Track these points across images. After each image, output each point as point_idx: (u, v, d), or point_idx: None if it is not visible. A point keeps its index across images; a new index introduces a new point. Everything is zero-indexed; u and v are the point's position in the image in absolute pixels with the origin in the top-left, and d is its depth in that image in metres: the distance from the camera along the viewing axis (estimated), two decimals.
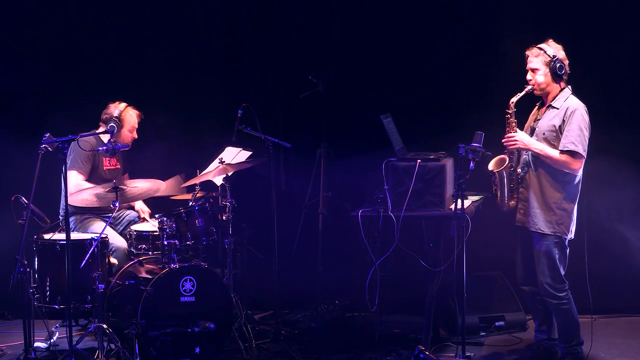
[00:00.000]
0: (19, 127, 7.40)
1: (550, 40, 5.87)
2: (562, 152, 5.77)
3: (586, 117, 5.81)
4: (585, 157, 5.79)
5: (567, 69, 5.85)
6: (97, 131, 6.72)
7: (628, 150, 7.05)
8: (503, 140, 5.88)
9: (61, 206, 6.72)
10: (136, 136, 6.89)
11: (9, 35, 7.56)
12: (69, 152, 6.45)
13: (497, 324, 6.88)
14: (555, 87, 5.88)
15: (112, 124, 6.62)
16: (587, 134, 5.80)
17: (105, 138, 6.75)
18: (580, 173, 5.83)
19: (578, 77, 6.04)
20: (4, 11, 7.54)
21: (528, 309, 6.38)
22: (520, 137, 5.84)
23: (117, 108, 6.79)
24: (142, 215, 6.98)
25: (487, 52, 7.29)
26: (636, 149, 7.08)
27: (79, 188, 6.50)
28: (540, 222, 5.86)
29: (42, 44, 7.60)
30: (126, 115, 6.80)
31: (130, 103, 6.89)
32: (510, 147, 5.87)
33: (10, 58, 7.56)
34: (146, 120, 7.05)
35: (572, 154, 5.76)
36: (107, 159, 6.87)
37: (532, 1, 7.23)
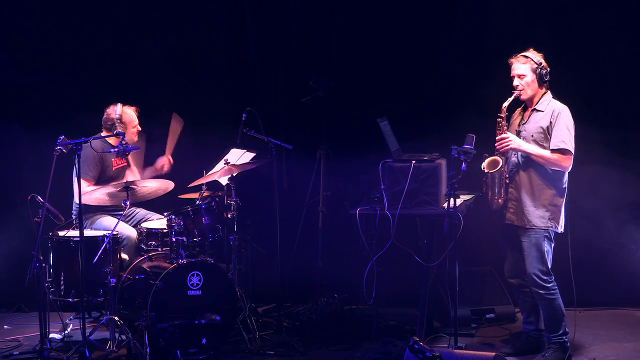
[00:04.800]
0: (31, 128, 7.40)
1: (531, 49, 5.93)
2: (553, 150, 5.80)
3: (571, 117, 5.86)
4: (574, 154, 5.81)
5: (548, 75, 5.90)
6: (107, 134, 6.69)
7: (610, 149, 7.04)
8: (496, 143, 5.89)
9: (74, 204, 6.72)
10: (140, 128, 6.83)
11: (23, 35, 7.56)
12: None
13: (487, 316, 6.88)
14: (539, 92, 5.92)
15: (119, 130, 6.56)
16: (573, 133, 5.84)
17: (111, 140, 6.74)
18: (569, 169, 5.86)
19: (565, 81, 6.06)
20: (21, 11, 7.56)
21: (516, 301, 6.38)
22: (513, 139, 5.86)
23: (114, 111, 6.74)
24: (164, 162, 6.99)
25: (479, 59, 7.29)
26: (616, 148, 7.07)
27: (86, 194, 6.52)
28: (534, 219, 5.88)
29: (53, 46, 7.57)
30: (125, 115, 6.74)
31: (140, 105, 6.88)
32: (504, 148, 5.88)
33: (21, 56, 7.55)
34: (156, 122, 7.06)
35: (563, 151, 5.80)
36: (115, 159, 6.83)
37: (523, 10, 7.23)
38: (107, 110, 6.77)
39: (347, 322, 6.91)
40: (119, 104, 6.78)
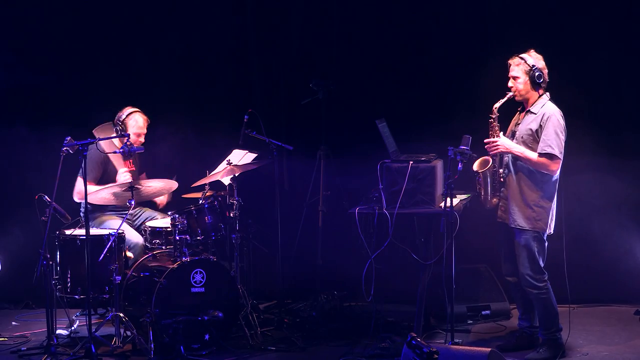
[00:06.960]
0: (38, 129, 7.42)
1: (532, 50, 5.90)
2: (540, 154, 5.81)
3: (562, 121, 5.84)
4: (562, 158, 5.82)
5: (546, 77, 5.88)
6: (114, 135, 6.71)
7: (605, 149, 7.06)
8: (486, 146, 5.91)
9: (81, 204, 6.74)
10: (142, 140, 6.83)
11: (29, 36, 7.58)
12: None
13: (483, 312, 6.90)
14: (534, 94, 5.91)
15: (117, 128, 6.62)
16: (562, 137, 5.83)
17: (118, 142, 6.76)
18: (557, 173, 5.87)
19: (558, 83, 6.08)
20: (28, 12, 7.59)
21: (512, 298, 6.41)
22: (501, 142, 5.87)
23: (123, 113, 6.78)
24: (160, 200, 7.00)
25: (475, 63, 7.29)
26: (612, 148, 7.09)
27: (91, 194, 6.54)
28: (520, 219, 5.89)
29: (59, 47, 7.59)
30: (129, 121, 6.73)
31: (146, 108, 6.89)
32: (493, 151, 5.91)
33: (28, 57, 7.57)
34: (161, 125, 7.08)
35: (549, 156, 5.78)
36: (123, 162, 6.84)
37: (517, 15, 7.26)
38: (124, 109, 6.79)
39: (346, 318, 6.92)
40: (133, 109, 6.78)
